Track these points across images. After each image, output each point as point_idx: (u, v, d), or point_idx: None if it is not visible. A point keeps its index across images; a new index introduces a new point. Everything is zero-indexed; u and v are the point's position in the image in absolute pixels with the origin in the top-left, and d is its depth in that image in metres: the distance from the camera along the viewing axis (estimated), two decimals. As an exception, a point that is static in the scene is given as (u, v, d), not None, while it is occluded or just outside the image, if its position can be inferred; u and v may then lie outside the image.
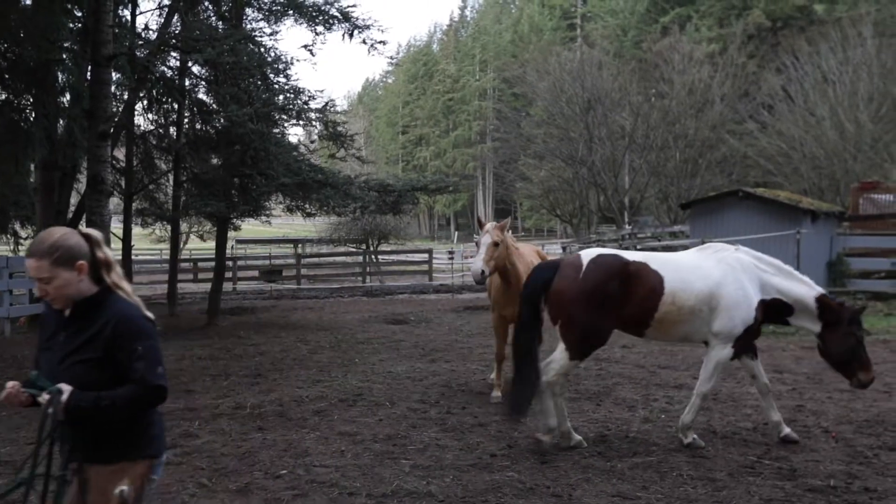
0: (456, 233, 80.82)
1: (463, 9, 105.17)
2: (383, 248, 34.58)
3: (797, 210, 13.75)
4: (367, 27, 15.82)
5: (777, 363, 9.88)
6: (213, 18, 16.51)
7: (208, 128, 16.15)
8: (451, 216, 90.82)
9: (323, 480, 5.36)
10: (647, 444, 6.15)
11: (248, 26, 15.88)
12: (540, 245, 27.21)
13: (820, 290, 6.27)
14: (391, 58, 37.01)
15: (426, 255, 31.46)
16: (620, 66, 37.70)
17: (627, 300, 6.01)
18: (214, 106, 15.86)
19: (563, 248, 31.89)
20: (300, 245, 35.58)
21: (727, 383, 8.57)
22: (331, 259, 32.20)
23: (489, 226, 7.41)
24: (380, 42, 16.06)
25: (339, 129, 16.29)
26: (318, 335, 13.44)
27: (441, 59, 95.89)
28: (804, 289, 6.20)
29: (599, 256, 6.15)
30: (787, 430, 6.26)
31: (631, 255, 6.25)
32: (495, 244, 7.29)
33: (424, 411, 7.41)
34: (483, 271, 7.15)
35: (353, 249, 33.88)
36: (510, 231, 7.82)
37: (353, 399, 7.99)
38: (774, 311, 6.20)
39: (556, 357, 6.13)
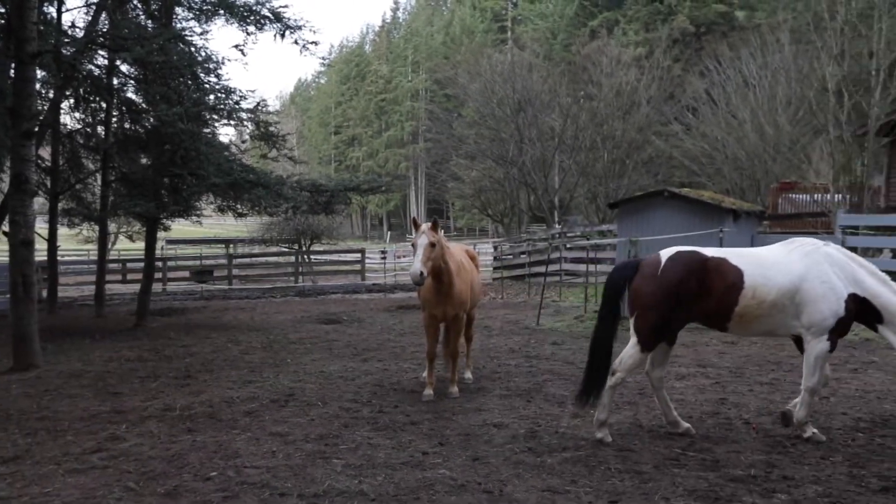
0: (389, 233, 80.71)
1: (395, 10, 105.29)
2: (316, 248, 34.35)
3: (720, 209, 14.13)
4: (299, 28, 15.75)
5: (701, 358, 10.17)
6: (142, 17, 16.19)
7: (137, 127, 15.86)
8: (384, 216, 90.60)
9: (254, 482, 5.29)
10: (577, 439, 6.25)
11: (178, 25, 15.62)
12: (472, 244, 27.41)
13: None
14: (323, 58, 37.14)
15: (359, 255, 31.40)
16: (550, 68, 38.23)
17: (707, 295, 6.13)
18: (144, 105, 15.56)
19: (495, 248, 32.18)
20: (232, 245, 35.07)
21: (653, 378, 8.78)
22: (263, 259, 31.84)
23: (425, 226, 7.43)
24: (312, 43, 15.99)
25: (271, 129, 16.18)
26: (249, 336, 13.27)
27: (373, 60, 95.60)
28: None
29: (678, 253, 6.34)
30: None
31: (710, 252, 6.35)
32: (432, 245, 7.31)
33: (356, 410, 7.39)
34: (422, 272, 7.16)
35: (286, 249, 33.57)
36: (442, 231, 7.86)
37: (285, 399, 7.91)
38: (865, 311, 6.08)
39: (627, 351, 6.33)
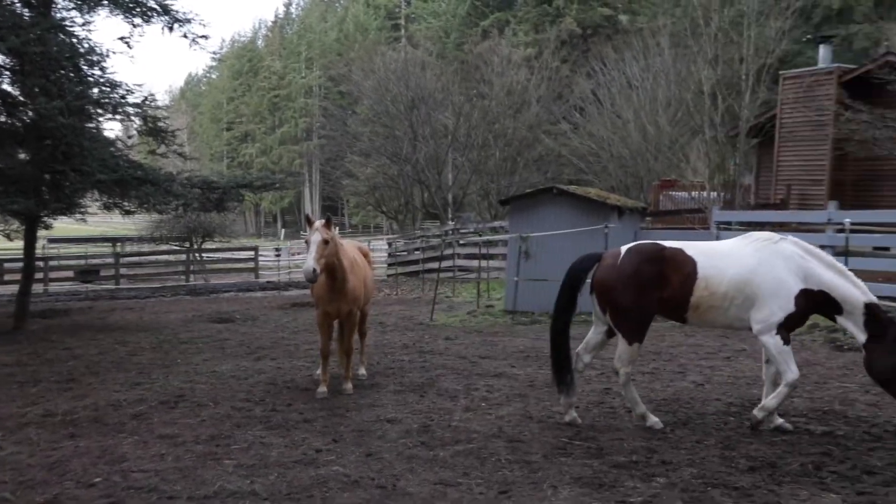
0: (283, 230, 79.40)
1: (288, 6, 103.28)
2: (208, 246, 33.51)
3: (605, 206, 14.61)
4: (188, 21, 15.31)
5: (588, 350, 10.52)
6: (18, 5, 15.32)
7: (14, 121, 15.01)
8: (278, 213, 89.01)
9: (141, 486, 5.17)
10: (469, 432, 6.38)
11: (58, 15, 14.88)
12: (366, 241, 27.35)
13: (873, 297, 6.08)
14: (214, 53, 36.27)
15: (252, 253, 30.86)
16: (443, 66, 38.53)
17: (665, 284, 6.26)
18: (21, 98, 14.75)
19: (389, 244, 32.21)
20: (119, 244, 33.69)
21: (543, 370, 9.06)
22: (152, 258, 30.82)
23: (318, 223, 7.40)
24: (201, 37, 15.62)
25: (160, 124, 15.66)
26: (137, 336, 12.84)
27: (266, 56, 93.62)
28: (855, 291, 6.04)
29: (637, 245, 6.54)
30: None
31: (668, 243, 6.48)
32: (325, 242, 7.29)
33: (249, 410, 7.30)
34: (315, 269, 7.13)
35: (176, 248, 32.58)
36: (336, 228, 7.86)
37: (175, 401, 7.73)
38: (821, 304, 6.13)
39: (620, 348, 6.46)
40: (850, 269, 6.29)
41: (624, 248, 6.53)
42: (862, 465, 5.38)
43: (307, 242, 7.35)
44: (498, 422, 6.70)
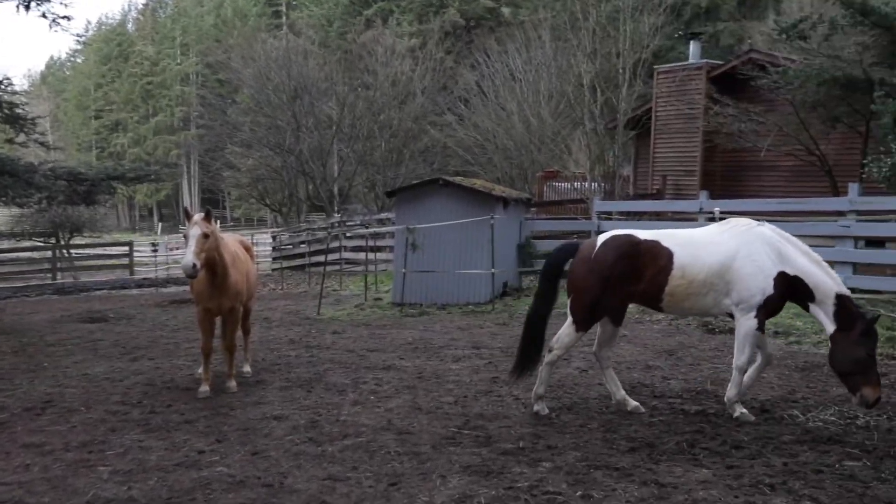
0: (160, 224, 76.43)
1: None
2: (77, 241, 31.81)
3: (491, 197, 14.81)
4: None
5: (476, 340, 10.64)
6: None
7: None
8: (155, 207, 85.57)
9: (3, 500, 4.82)
10: (358, 426, 6.32)
11: None
12: (249, 235, 26.70)
13: (845, 289, 6.09)
14: (79, 35, 34.28)
15: (126, 249, 29.57)
16: (327, 55, 37.98)
17: (639, 276, 6.26)
18: None
19: (274, 238, 31.59)
20: (-26, 240, 31.54)
21: (431, 361, 9.09)
22: (13, 255, 28.96)
23: (198, 217, 7.11)
24: (63, 17, 14.72)
25: (18, 111, 14.72)
26: (-3, 340, 12.02)
27: (138, 41, 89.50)
28: (828, 281, 6.04)
29: (612, 237, 6.46)
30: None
31: (643, 234, 6.43)
32: (205, 236, 7.01)
33: (125, 413, 6.96)
34: (194, 264, 6.84)
35: (41, 244, 30.77)
36: (217, 221, 7.59)
37: (42, 407, 7.26)
38: (797, 290, 6.13)
39: (564, 330, 6.53)
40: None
41: (600, 240, 6.51)
42: (731, 440, 5.67)
43: (186, 237, 7.06)
44: (387, 414, 6.67)
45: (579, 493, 4.72)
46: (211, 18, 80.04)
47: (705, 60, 20.96)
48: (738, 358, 6.23)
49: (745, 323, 6.19)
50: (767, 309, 6.22)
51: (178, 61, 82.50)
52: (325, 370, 8.71)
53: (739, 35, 35.00)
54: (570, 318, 6.55)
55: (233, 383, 7.82)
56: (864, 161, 13.86)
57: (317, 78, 34.06)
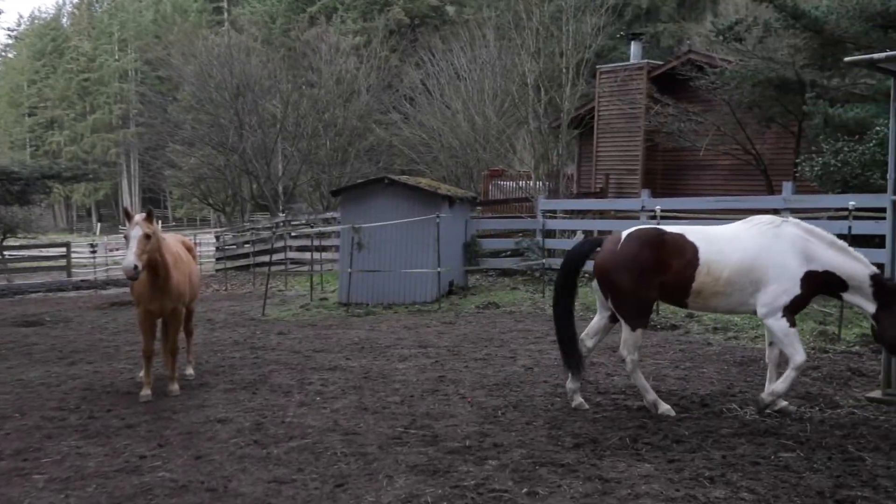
0: (99, 224, 74.56)
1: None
2: (10, 242, 30.82)
3: (436, 196, 14.84)
4: (-26, -7, 13.93)
5: (422, 339, 10.66)
6: None
7: None
8: (93, 207, 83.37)
9: (-65, 512, 4.68)
10: (303, 428, 6.28)
11: None
12: (192, 235, 26.23)
13: (874, 268, 6.11)
14: (10, 30, 33.08)
15: (63, 250, 28.74)
16: (270, 53, 37.52)
17: (665, 267, 6.18)
18: None
19: (217, 238, 31.11)
20: None
21: (377, 361, 9.08)
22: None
23: (139, 217, 6.97)
24: (-7, 11, 14.20)
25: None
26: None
27: (73, 36, 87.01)
28: (858, 266, 6.04)
29: (637, 230, 6.41)
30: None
31: (669, 228, 6.38)
32: (147, 237, 6.88)
33: (62, 419, 6.78)
34: (136, 266, 6.71)
35: (-30, 246, 29.75)
36: (159, 221, 7.45)
37: (-27, 415, 7.04)
38: (826, 284, 6.13)
39: (623, 334, 6.40)
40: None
41: (624, 234, 6.46)
42: (672, 435, 5.79)
43: (127, 238, 6.91)
44: (333, 415, 6.64)
45: (525, 490, 4.78)
46: (150, 14, 78.33)
47: (646, 61, 21.35)
48: (794, 358, 6.11)
49: (775, 324, 6.14)
50: (794, 307, 6.17)
51: (116, 57, 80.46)
52: (270, 371, 8.62)
53: (679, 36, 35.76)
54: (622, 321, 6.47)
55: (175, 386, 7.69)
56: (797, 160, 14.29)
57: (260, 76, 33.63)
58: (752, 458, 5.25)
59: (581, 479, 4.92)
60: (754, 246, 6.17)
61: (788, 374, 6.17)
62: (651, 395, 6.48)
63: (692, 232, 6.39)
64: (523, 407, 6.77)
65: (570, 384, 6.67)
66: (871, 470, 4.97)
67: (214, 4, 71.21)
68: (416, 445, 5.75)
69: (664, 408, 6.39)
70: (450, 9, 44.63)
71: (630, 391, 7.22)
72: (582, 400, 6.65)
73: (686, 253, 6.21)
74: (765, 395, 6.32)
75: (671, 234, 6.34)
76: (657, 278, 6.25)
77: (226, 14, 66.27)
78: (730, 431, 5.86)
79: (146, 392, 7.48)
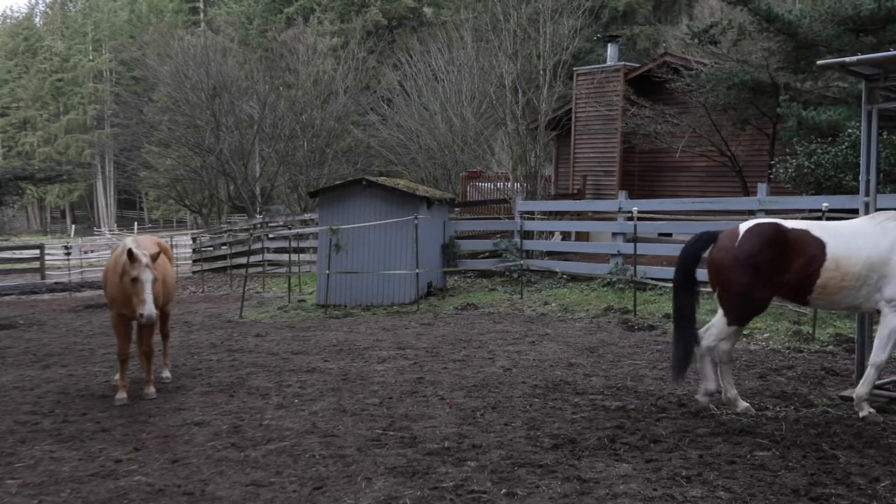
0: (73, 226, 73.73)
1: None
2: (-18, 245, 30.41)
3: (414, 197, 14.83)
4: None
5: (401, 340, 10.64)
6: None
7: None
8: (67, 208, 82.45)
9: None
10: (281, 430, 6.25)
11: None
12: (168, 237, 26.03)
13: None
14: (-18, 29, 32.50)
15: (37, 252, 28.35)
16: (247, 54, 37.31)
17: (786, 266, 6.00)
18: None
19: (194, 239, 30.89)
20: None
21: (356, 363, 9.06)
22: None
23: (145, 258, 6.99)
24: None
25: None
26: None
27: (46, 35, 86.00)
28: None
29: (756, 224, 6.21)
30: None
31: (791, 223, 6.18)
32: (155, 280, 7.09)
33: (36, 423, 6.70)
34: (155, 313, 7.06)
35: (-58, 248, 29.31)
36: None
37: (-55, 420, 6.94)
38: None
39: (714, 322, 6.30)
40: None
41: (742, 228, 6.26)
42: (650, 435, 5.84)
43: (136, 280, 6.94)
44: (311, 417, 6.61)
45: (504, 491, 4.79)
46: (125, 14, 77.62)
47: (623, 63, 21.47)
48: (878, 356, 6.02)
49: (894, 320, 5.96)
50: None
51: (91, 58, 79.60)
52: (247, 374, 8.58)
53: (655, 39, 36.02)
54: (721, 311, 6.31)
55: (151, 389, 7.63)
56: (772, 162, 14.44)
57: (237, 76, 33.42)
58: (729, 457, 5.30)
59: (559, 480, 4.94)
60: (887, 241, 5.99)
61: (869, 374, 6.13)
62: (711, 385, 6.38)
63: (816, 227, 6.24)
64: (502, 408, 6.78)
65: (708, 385, 6.41)
66: (844, 468, 5.03)
67: (190, 5, 70.72)
68: (394, 447, 5.74)
69: (742, 405, 6.35)
70: (427, 10, 44.65)
71: (607, 391, 7.27)
72: (748, 404, 6.42)
73: (810, 248, 6.03)
74: (855, 406, 6.22)
75: (794, 230, 6.15)
76: (776, 277, 6.10)
77: (202, 14, 65.85)
78: (706, 431, 5.91)
79: (122, 395, 7.40)
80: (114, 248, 8.24)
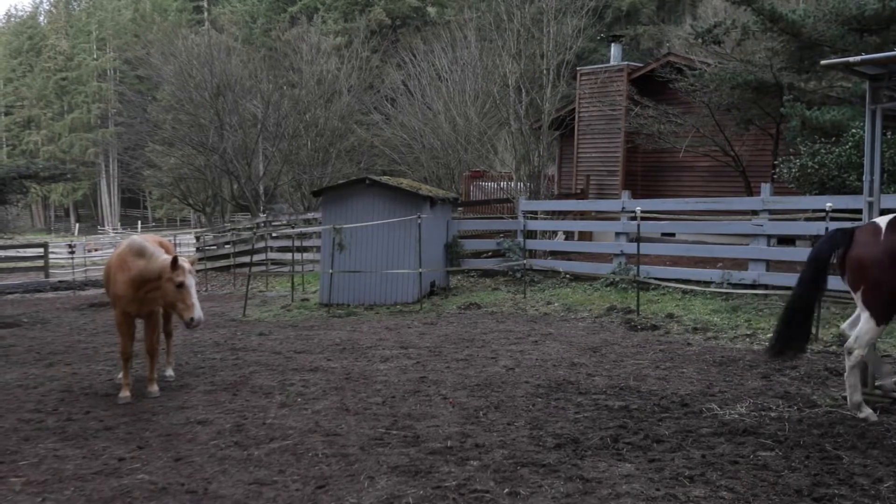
0: (77, 224, 73.90)
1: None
2: (-14, 243, 30.55)
3: (418, 196, 14.84)
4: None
5: (403, 340, 10.64)
6: None
7: None
8: (71, 207, 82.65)
9: (-90, 516, 4.62)
10: (284, 429, 6.25)
11: None
12: (172, 236, 26.07)
13: None
14: (-14, 28, 32.59)
15: (41, 250, 28.43)
16: (250, 52, 37.41)
17: None
18: None
19: (197, 238, 30.92)
20: None
21: (359, 362, 9.06)
22: (-84, 258, 27.59)
23: (187, 265, 7.09)
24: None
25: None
26: None
27: (50, 34, 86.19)
28: None
29: None
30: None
31: None
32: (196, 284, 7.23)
33: (40, 421, 6.71)
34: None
35: (-53, 246, 29.45)
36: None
37: (-50, 418, 6.95)
38: None
39: (862, 328, 5.92)
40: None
41: (884, 223, 5.93)
42: (653, 434, 5.83)
43: (182, 285, 7.01)
44: (314, 416, 6.62)
45: (506, 490, 4.78)
46: (129, 13, 77.79)
47: (626, 63, 21.46)
48: None
49: None
50: None
51: (95, 56, 79.82)
52: (250, 373, 8.58)
53: (658, 38, 35.98)
54: (866, 314, 5.96)
55: (155, 388, 7.64)
56: (775, 162, 14.42)
57: (240, 75, 33.49)
58: (732, 457, 5.29)
59: (562, 480, 4.93)
60: None
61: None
62: (857, 397, 6.05)
63: None
64: (505, 407, 6.78)
65: (853, 398, 6.07)
66: (848, 468, 5.03)
67: (194, 4, 70.83)
68: (397, 446, 5.74)
69: (867, 412, 6.04)
70: (431, 10, 44.66)
71: (610, 391, 7.26)
72: (870, 411, 6.07)
73: None
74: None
75: None
76: None
77: (206, 13, 65.91)
78: (709, 431, 5.91)
79: (125, 394, 7.42)
80: (117, 246, 8.25)
